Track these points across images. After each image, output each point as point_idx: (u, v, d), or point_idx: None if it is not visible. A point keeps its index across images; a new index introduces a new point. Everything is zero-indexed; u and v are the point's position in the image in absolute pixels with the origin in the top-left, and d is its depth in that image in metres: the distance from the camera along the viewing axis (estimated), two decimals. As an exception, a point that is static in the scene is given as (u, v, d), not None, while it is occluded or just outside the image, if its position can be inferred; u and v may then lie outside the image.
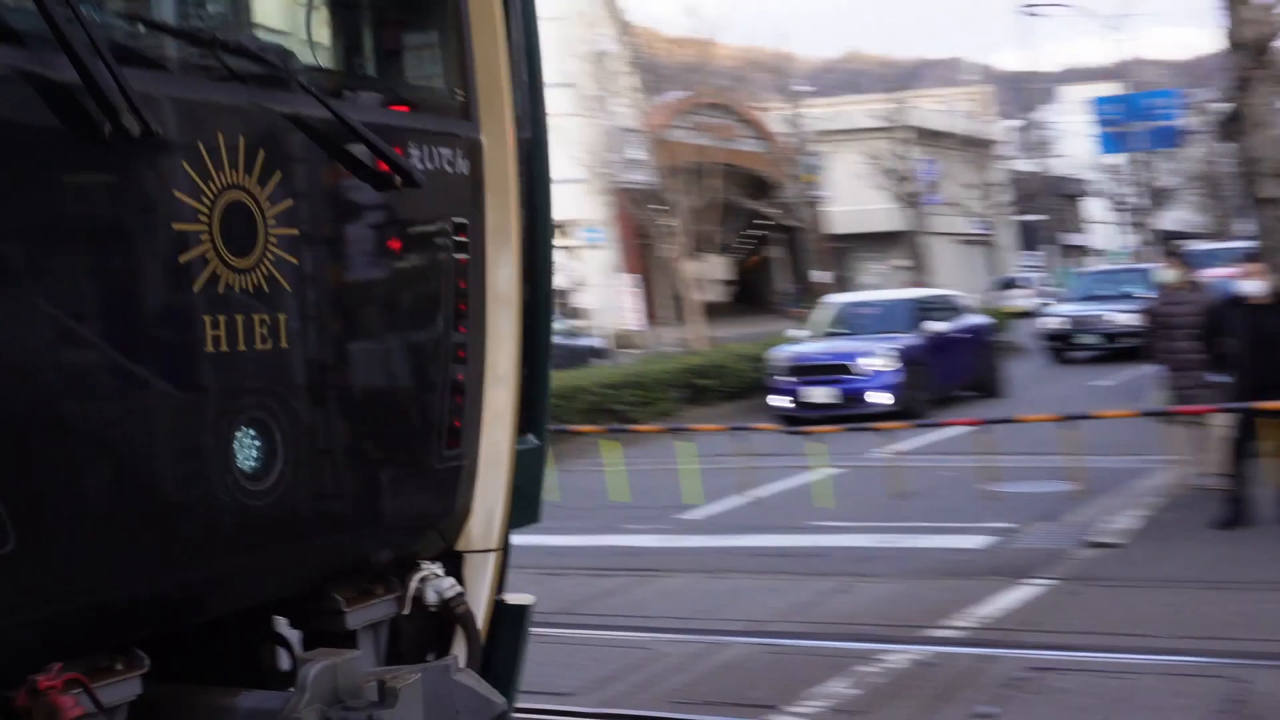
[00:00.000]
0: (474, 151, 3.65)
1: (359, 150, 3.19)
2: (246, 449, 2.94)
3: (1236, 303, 10.10)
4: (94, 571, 2.64)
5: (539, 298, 4.02)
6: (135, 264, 2.73)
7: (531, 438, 4.00)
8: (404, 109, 3.60)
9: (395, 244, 3.48)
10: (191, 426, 2.82)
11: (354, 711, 2.98)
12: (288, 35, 3.47)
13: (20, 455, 2.49)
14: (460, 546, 3.72)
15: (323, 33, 3.63)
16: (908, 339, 20.04)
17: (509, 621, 3.91)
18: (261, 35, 3.42)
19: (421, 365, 3.51)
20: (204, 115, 2.88)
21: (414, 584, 3.53)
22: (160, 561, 2.82)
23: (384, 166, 3.22)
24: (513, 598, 3.95)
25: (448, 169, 3.54)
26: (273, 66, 3.17)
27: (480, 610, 3.68)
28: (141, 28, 3.06)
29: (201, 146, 2.83)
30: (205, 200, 2.82)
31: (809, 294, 36.58)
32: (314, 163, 3.18)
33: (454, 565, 3.69)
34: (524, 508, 3.96)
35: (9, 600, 2.49)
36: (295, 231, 3.06)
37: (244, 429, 2.93)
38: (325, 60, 3.59)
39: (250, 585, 3.14)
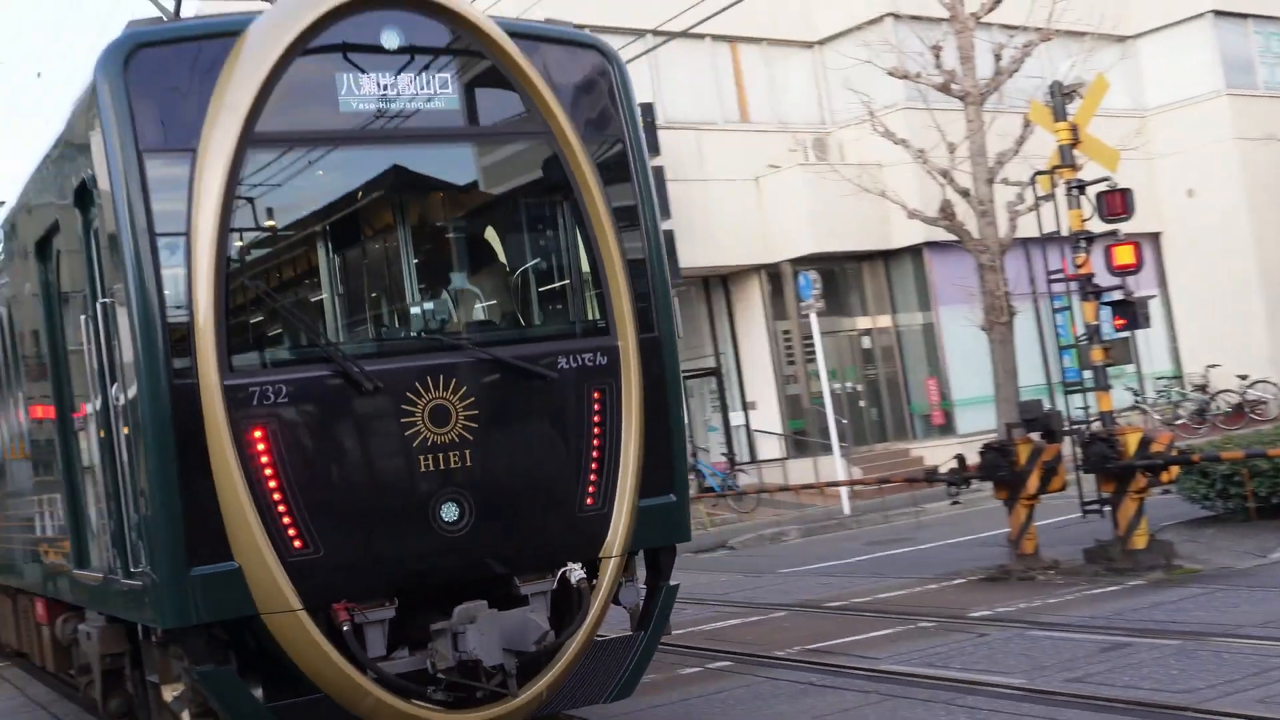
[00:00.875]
0: (610, 351, 7.17)
1: (517, 367, 6.96)
2: (448, 511, 6.65)
3: None
4: (365, 567, 6.51)
5: (671, 418, 7.36)
6: (388, 434, 6.63)
7: (671, 495, 7.40)
8: (567, 337, 7.35)
9: (547, 405, 7.04)
10: (414, 500, 6.62)
11: (460, 624, 6.47)
12: (497, 310, 7.91)
13: (336, 521, 6.49)
14: (600, 555, 7.09)
15: (516, 304, 7.93)
16: None
17: (657, 595, 7.48)
18: (476, 310, 7.83)
19: (564, 466, 7.02)
20: (416, 372, 6.70)
21: (560, 573, 6.94)
22: (397, 562, 6.59)
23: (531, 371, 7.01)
24: (671, 581, 7.52)
25: (589, 364, 7.08)
26: (465, 341, 7.09)
27: (605, 586, 7.04)
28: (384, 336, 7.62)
29: (417, 384, 6.65)
30: (418, 405, 6.65)
31: None
32: (488, 375, 6.90)
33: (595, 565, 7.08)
34: (672, 533, 7.49)
35: (321, 580, 6.35)
36: (477, 411, 6.75)
37: (446, 502, 6.64)
38: (518, 318, 7.86)
39: (453, 573, 6.74)
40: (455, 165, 7.74)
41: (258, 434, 6.36)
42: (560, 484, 7.09)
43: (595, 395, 7.15)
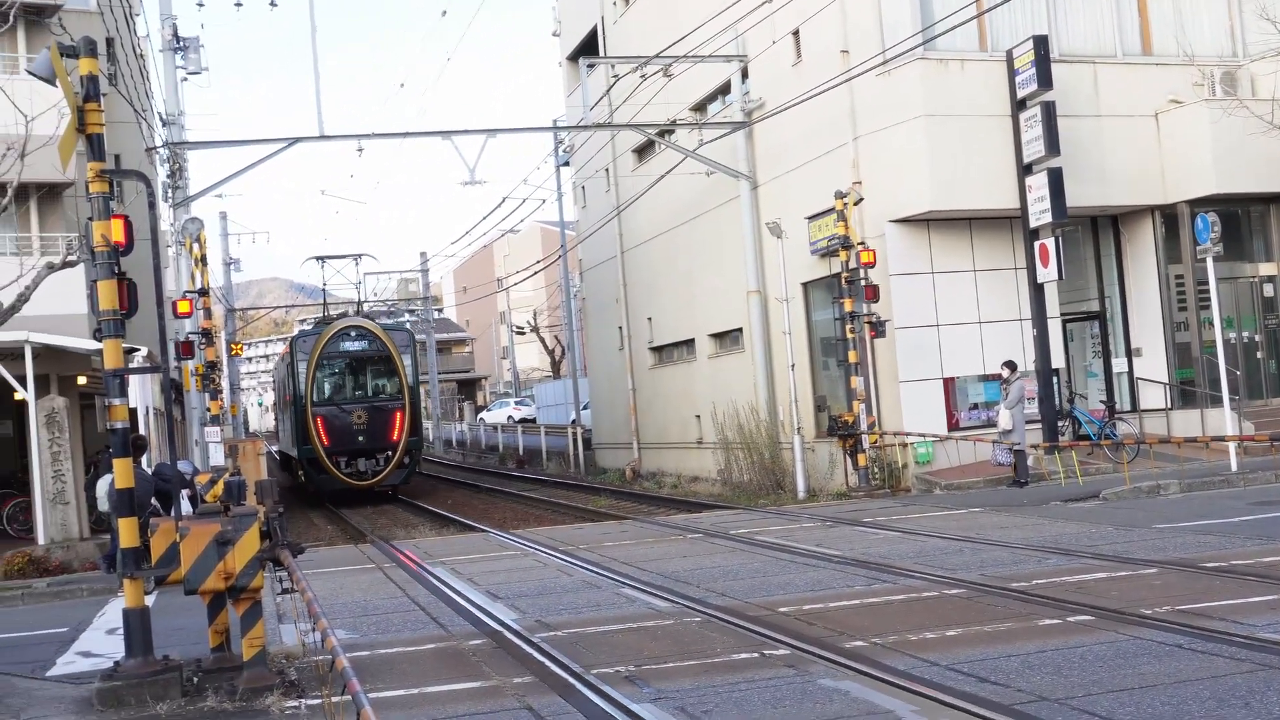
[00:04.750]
0: (401, 403, 38.50)
1: (380, 406, 38.96)
2: (363, 437, 37.93)
3: None
4: (342, 448, 37.97)
5: (418, 420, 39.39)
6: (349, 420, 38.60)
7: (416, 437, 39.02)
8: (394, 399, 39.22)
9: (386, 416, 38.55)
10: (354, 434, 38.10)
11: (360, 461, 38.89)
12: (379, 391, 39.54)
13: (336, 438, 38.07)
14: (397, 450, 38.16)
15: (384, 390, 39.17)
16: None
17: (414, 459, 39.60)
18: (373, 391, 39.57)
19: (389, 429, 38.20)
20: (357, 408, 39.68)
21: (386, 452, 38.18)
22: (349, 447, 38.09)
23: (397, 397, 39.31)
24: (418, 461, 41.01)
25: (398, 406, 38.42)
26: (369, 399, 39.11)
27: (397, 455, 38.01)
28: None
29: (357, 410, 39.63)
30: (353, 413, 38.02)
31: None
32: (375, 409, 38.60)
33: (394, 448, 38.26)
34: (419, 448, 40.78)
35: (332, 449, 37.99)
36: (368, 417, 38.29)
37: (360, 435, 38.01)
38: (384, 394, 39.30)
39: (361, 451, 38.04)
40: (372, 359, 38.59)
41: (319, 420, 37.34)
42: (389, 433, 37.51)
43: (398, 413, 37.53)
